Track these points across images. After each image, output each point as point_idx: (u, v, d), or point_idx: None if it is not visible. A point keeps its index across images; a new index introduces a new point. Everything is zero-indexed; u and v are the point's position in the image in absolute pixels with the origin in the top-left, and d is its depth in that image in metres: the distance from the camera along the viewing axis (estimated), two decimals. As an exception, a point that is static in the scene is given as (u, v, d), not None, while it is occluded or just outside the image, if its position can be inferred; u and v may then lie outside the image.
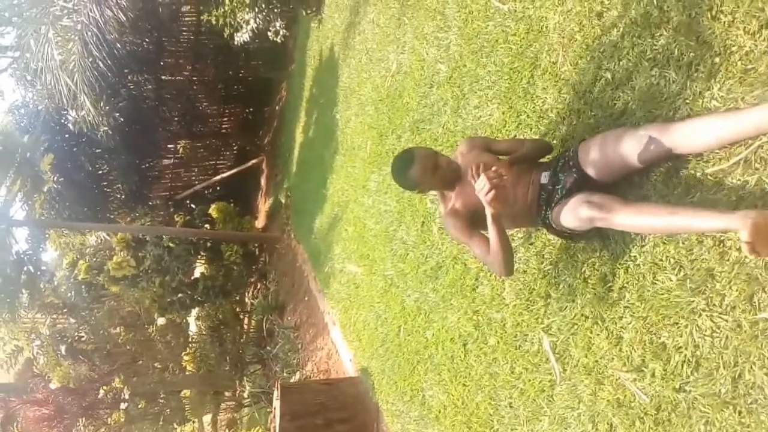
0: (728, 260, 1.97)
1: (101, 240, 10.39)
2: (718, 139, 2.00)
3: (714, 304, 2.00)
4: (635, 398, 2.24)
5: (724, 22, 2.10)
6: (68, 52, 6.92)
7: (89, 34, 7.01)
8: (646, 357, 2.22)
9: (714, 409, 1.94)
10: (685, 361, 2.06)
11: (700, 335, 2.02)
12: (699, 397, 1.99)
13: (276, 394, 4.90)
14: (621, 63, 2.54)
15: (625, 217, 2.11)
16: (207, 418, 9.46)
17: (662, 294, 2.18)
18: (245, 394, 7.43)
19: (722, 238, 2.01)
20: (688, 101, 2.20)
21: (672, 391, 2.08)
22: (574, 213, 2.28)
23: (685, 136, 2.06)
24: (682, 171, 2.18)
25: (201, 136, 13.96)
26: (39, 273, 9.73)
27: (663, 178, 2.25)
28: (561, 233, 2.57)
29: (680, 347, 2.09)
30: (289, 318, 8.03)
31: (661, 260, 2.21)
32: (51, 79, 7.02)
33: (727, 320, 1.95)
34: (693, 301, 2.06)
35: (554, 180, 2.52)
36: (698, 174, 2.12)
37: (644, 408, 2.19)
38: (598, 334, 2.47)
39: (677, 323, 2.11)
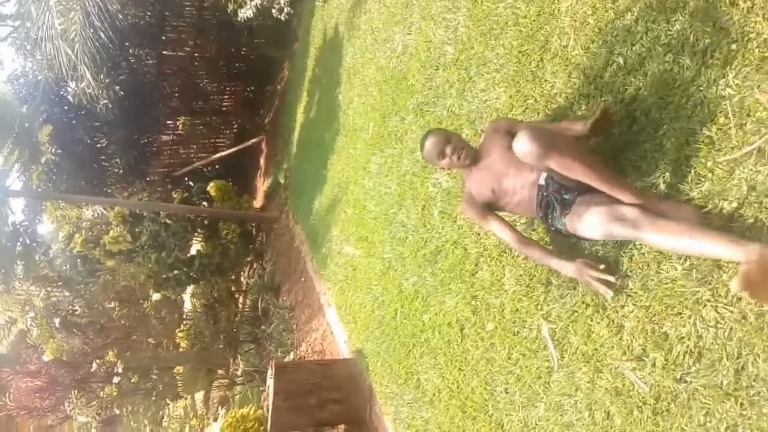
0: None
1: (98, 214, 10.33)
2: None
3: (720, 295, 1.98)
4: (634, 387, 2.22)
5: (743, 8, 2.05)
6: (69, 22, 6.82)
7: (91, 3, 6.90)
8: (647, 346, 2.20)
9: (715, 401, 1.92)
10: (687, 352, 2.04)
11: (703, 326, 2.00)
12: (700, 388, 1.97)
13: (270, 372, 4.89)
14: (634, 48, 2.49)
15: (650, 236, 2.07)
16: (199, 396, 9.47)
17: (666, 283, 2.15)
18: (239, 372, 7.43)
19: (731, 228, 1.97)
20: (701, 88, 2.15)
21: (672, 381, 2.06)
22: (603, 227, 2.20)
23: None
24: (693, 160, 2.14)
25: (201, 113, 13.83)
26: (34, 244, 9.68)
27: (673, 167, 2.22)
28: (570, 237, 2.53)
29: (683, 337, 2.06)
30: (285, 298, 8.01)
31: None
32: (51, 49, 6.92)
33: (732, 311, 1.93)
34: (698, 292, 2.03)
35: (551, 184, 2.46)
36: (709, 163, 2.08)
37: (643, 397, 2.17)
38: (598, 322, 2.44)
39: (681, 313, 2.09)
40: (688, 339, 2.04)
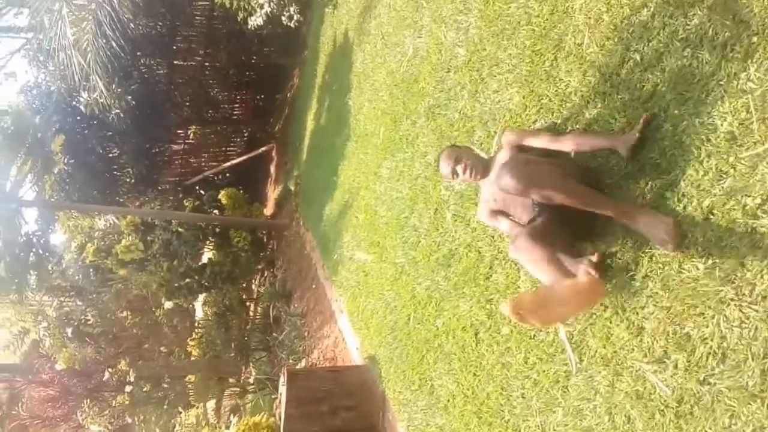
0: (761, 248, 1.89)
1: (110, 224, 10.37)
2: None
3: (743, 294, 1.92)
4: (656, 390, 2.16)
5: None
6: (81, 32, 6.86)
7: (103, 13, 6.95)
8: (668, 348, 2.14)
9: (740, 403, 1.86)
10: (710, 353, 1.98)
11: (727, 326, 1.94)
12: (724, 390, 1.91)
13: (282, 380, 4.84)
14: (651, 44, 2.45)
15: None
16: (211, 404, 9.44)
17: (688, 283, 2.09)
18: (250, 380, 7.39)
19: (755, 225, 1.92)
20: (722, 83, 2.10)
21: (696, 383, 2.00)
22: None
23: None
24: (714, 156, 2.09)
25: (212, 122, 13.89)
26: (47, 254, 9.72)
27: (693, 164, 2.16)
28: None
29: (706, 338, 2.00)
30: (296, 305, 7.98)
31: (688, 248, 2.12)
32: (64, 59, 6.96)
33: (757, 310, 1.87)
34: (721, 291, 1.97)
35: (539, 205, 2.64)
36: (731, 159, 2.03)
37: (665, 400, 2.11)
38: (617, 325, 2.39)
39: (703, 313, 2.03)
40: (712, 339, 1.98)
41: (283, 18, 9.30)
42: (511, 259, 2.83)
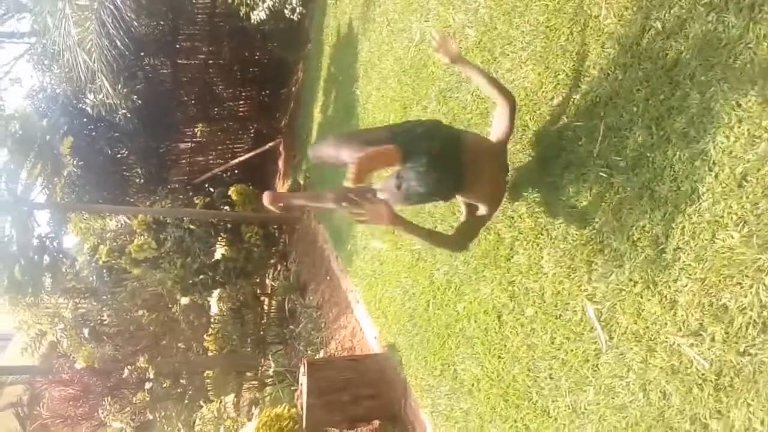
0: (800, 213, 1.83)
1: (121, 224, 10.39)
2: None
3: (784, 261, 1.87)
4: (692, 364, 2.11)
5: (793, -43, 1.94)
6: (85, 31, 6.85)
7: (106, 12, 6.93)
8: (704, 320, 2.09)
9: (784, 373, 1.81)
10: (750, 323, 1.93)
11: (767, 294, 1.88)
12: (767, 360, 1.86)
13: (302, 370, 4.83)
14: (672, 11, 2.38)
15: None
16: (230, 398, 9.47)
17: (723, 253, 2.04)
18: (270, 372, 7.40)
19: (792, 190, 1.87)
20: (750, 46, 2.04)
21: (735, 354, 1.95)
22: None
23: None
24: (745, 121, 2.03)
25: (218, 120, 13.88)
26: (61, 256, 9.76)
27: (724, 131, 2.10)
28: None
29: (744, 308, 1.95)
30: (311, 297, 7.96)
31: (722, 217, 2.06)
32: (69, 58, 6.95)
33: (799, 277, 1.82)
34: (759, 259, 1.92)
35: None
36: (765, 122, 1.97)
37: (703, 374, 2.06)
38: (649, 299, 2.34)
39: (740, 283, 1.97)
40: (751, 309, 1.93)
41: (286, 11, 9.24)
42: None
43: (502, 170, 3.10)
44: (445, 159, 2.73)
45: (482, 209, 3.06)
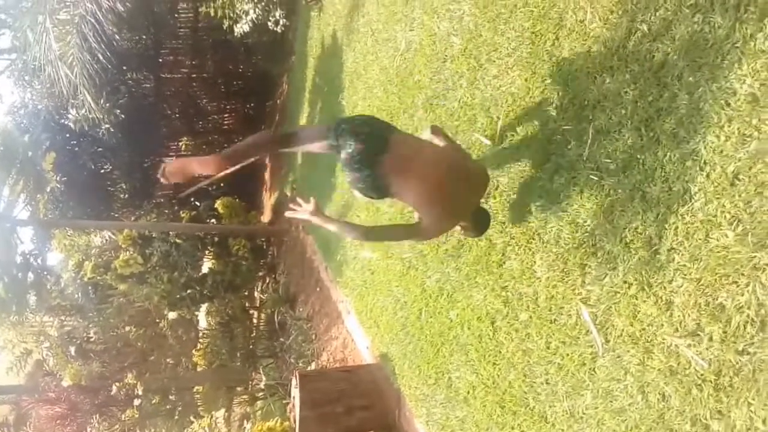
0: (793, 210, 1.84)
1: (106, 240, 10.27)
2: None
3: (778, 258, 1.87)
4: (691, 365, 2.10)
5: (777, -43, 1.96)
6: (66, 45, 6.79)
7: (87, 26, 6.87)
8: (701, 320, 2.08)
9: (783, 371, 1.80)
10: (748, 322, 1.92)
11: (764, 292, 1.88)
12: (766, 359, 1.85)
13: (294, 382, 4.77)
14: (658, 13, 2.40)
15: None
16: (221, 413, 9.36)
17: (718, 252, 2.04)
18: (261, 386, 7.32)
19: (784, 187, 1.87)
20: (737, 45, 2.05)
21: (734, 353, 1.95)
22: None
23: None
24: (735, 120, 2.04)
25: (203, 133, 13.82)
26: (45, 273, 9.62)
27: (714, 130, 2.11)
28: None
29: (741, 307, 1.95)
30: (301, 309, 7.90)
31: (715, 216, 2.07)
32: (51, 72, 6.87)
33: (794, 274, 1.82)
34: (755, 257, 1.92)
35: None
36: (755, 121, 1.97)
37: (702, 374, 2.05)
38: (644, 301, 2.33)
39: (737, 282, 1.97)
40: (748, 307, 1.93)
41: (269, 23, 9.24)
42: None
43: (462, 186, 2.84)
44: (365, 155, 2.68)
45: (423, 221, 2.85)
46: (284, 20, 9.21)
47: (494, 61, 3.61)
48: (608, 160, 2.59)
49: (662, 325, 2.23)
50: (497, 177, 3.44)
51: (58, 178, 9.52)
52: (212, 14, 9.59)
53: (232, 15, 9.40)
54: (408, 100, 4.92)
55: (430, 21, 4.59)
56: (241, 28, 9.27)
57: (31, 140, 9.92)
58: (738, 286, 1.96)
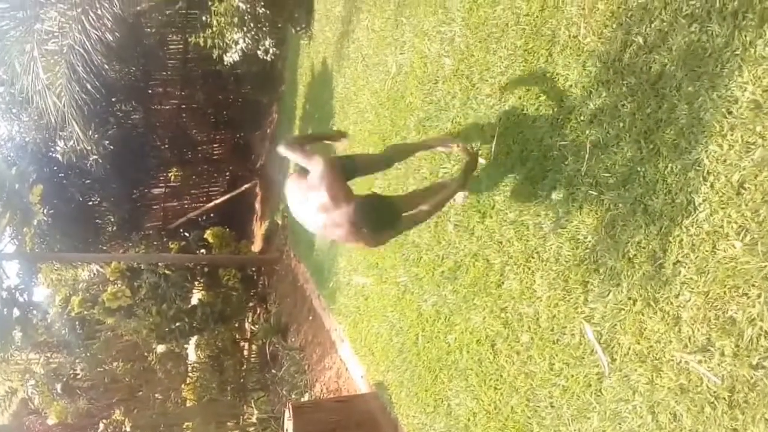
0: (803, 217, 1.78)
1: (94, 273, 10.08)
2: None
3: (790, 268, 1.81)
4: (703, 382, 2.02)
5: (772, -36, 1.94)
6: (55, 75, 6.74)
7: (76, 57, 6.83)
8: (712, 335, 2.01)
9: (801, 385, 1.73)
10: (761, 334, 1.85)
11: (777, 303, 1.82)
12: (782, 372, 1.78)
13: (288, 414, 4.62)
14: (653, 25, 2.38)
15: None
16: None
17: (726, 263, 1.98)
18: (253, 419, 7.12)
19: (792, 194, 1.82)
20: (737, 53, 2.03)
21: (748, 368, 1.87)
22: None
23: None
24: (738, 128, 2.00)
25: (192, 163, 13.73)
26: (31, 308, 9.39)
27: (717, 139, 2.07)
28: None
29: (753, 319, 1.88)
30: (293, 339, 7.74)
31: (722, 227, 2.01)
32: (39, 102, 6.80)
33: (807, 284, 1.75)
34: (765, 267, 1.86)
35: None
36: (758, 128, 1.93)
37: (715, 391, 1.97)
38: (650, 317, 2.26)
39: (747, 293, 1.91)
40: (761, 320, 1.86)
41: (259, 52, 9.25)
42: None
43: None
44: None
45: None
46: (274, 49, 9.24)
47: (487, 80, 3.59)
48: (607, 174, 2.54)
49: (670, 341, 2.15)
50: (493, 196, 3.39)
51: (45, 211, 9.36)
52: (202, 44, 9.60)
53: (221, 45, 9.41)
54: (400, 122, 4.89)
55: (421, 43, 4.59)
56: (231, 57, 9.28)
57: (18, 173, 9.78)
58: (749, 298, 1.89)
